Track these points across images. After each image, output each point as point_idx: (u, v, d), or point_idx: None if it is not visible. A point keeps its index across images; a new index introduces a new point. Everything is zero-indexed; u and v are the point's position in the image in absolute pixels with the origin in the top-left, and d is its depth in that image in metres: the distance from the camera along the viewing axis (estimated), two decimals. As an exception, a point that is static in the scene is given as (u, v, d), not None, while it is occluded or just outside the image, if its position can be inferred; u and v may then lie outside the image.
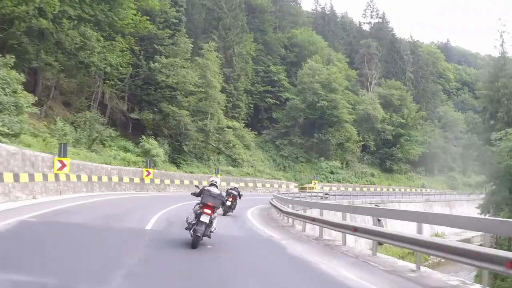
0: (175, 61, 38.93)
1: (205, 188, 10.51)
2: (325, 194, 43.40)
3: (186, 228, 10.30)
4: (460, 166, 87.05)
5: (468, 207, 63.51)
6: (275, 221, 20.73)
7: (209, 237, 10.37)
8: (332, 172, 58.94)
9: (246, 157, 51.07)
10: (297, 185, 54.23)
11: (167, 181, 37.69)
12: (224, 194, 13.42)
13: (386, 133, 68.53)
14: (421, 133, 73.58)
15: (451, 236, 43.65)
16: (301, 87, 59.80)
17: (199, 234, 9.77)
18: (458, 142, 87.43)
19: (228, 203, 19.70)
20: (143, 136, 36.74)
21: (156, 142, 37.08)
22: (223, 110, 48.08)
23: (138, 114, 39.05)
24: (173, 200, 25.34)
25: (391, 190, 58.44)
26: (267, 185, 49.77)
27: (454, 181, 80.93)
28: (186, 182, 40.16)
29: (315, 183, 53.30)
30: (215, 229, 10.55)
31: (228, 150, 49.63)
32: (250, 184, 47.80)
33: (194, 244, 9.85)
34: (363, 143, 64.72)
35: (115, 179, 30.54)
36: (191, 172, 42.00)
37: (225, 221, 17.47)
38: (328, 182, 57.38)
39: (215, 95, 44.93)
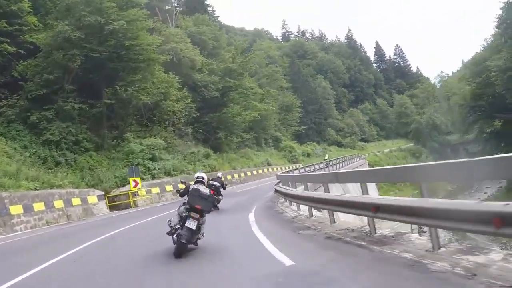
0: None
1: (193, 186, 9.65)
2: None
3: (168, 233, 9.60)
4: (285, 134, 73.63)
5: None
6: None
7: (196, 245, 9.61)
8: (153, 159, 34.97)
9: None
10: (102, 194, 28.67)
11: None
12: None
13: (210, 88, 47.79)
14: (256, 84, 55.33)
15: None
16: (69, 2, 33.32)
17: (183, 241, 8.88)
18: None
19: None
20: None
21: None
22: None
23: None
24: None
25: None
26: (39, 207, 23.17)
27: (292, 152, 65.95)
28: None
29: (137, 183, 29.47)
30: (203, 235, 9.76)
31: None
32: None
33: (179, 252, 8.93)
34: (190, 101, 42.27)
35: None
36: None
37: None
38: (152, 178, 33.47)
39: None
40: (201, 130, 46.81)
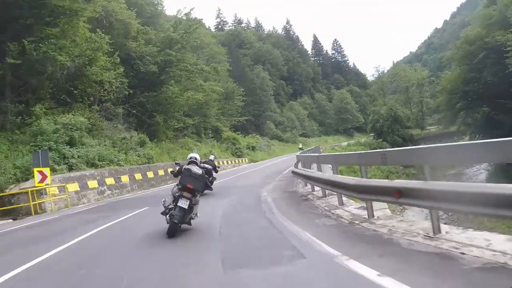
0: None
1: (185, 166, 9.75)
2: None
3: (162, 213, 9.67)
4: (226, 125, 66.28)
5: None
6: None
7: (190, 225, 9.74)
8: (71, 143, 26.09)
9: None
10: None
11: None
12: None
13: (146, 61, 39.32)
14: (201, 62, 47.17)
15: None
16: None
17: (176, 221, 8.95)
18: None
19: None
20: None
21: None
22: None
23: None
24: None
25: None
26: None
27: (236, 144, 58.62)
28: None
29: (45, 176, 20.62)
30: (196, 215, 9.83)
31: None
32: None
33: (171, 232, 8.98)
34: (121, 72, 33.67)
35: None
36: None
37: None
38: (69, 169, 24.61)
39: None
40: (134, 111, 38.12)
